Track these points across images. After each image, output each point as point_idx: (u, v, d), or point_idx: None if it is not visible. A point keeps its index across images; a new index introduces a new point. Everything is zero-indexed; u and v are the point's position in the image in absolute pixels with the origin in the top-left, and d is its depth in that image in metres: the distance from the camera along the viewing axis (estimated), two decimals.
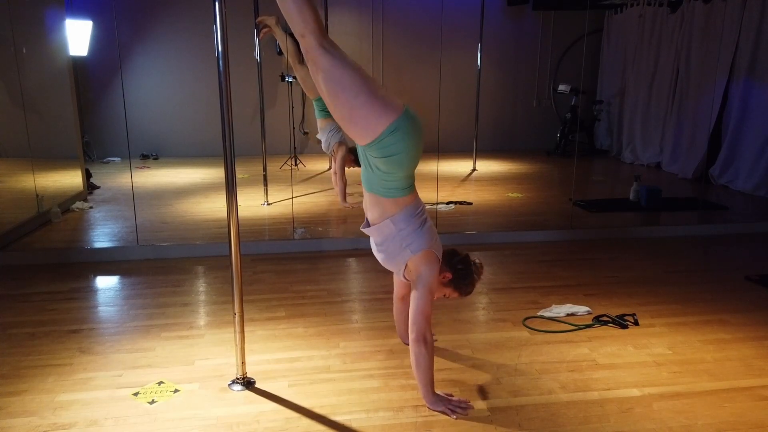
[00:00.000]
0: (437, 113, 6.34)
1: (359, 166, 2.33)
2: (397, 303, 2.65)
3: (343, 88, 2.07)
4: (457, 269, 2.36)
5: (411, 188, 2.27)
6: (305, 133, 7.90)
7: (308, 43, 2.05)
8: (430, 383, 2.24)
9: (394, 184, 2.21)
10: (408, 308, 2.34)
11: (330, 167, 5.34)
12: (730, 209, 5.40)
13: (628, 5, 7.76)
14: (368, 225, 2.36)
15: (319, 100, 5.02)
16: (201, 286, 3.56)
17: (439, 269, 2.29)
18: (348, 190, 5.25)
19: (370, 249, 2.45)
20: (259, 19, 3.75)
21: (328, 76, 2.08)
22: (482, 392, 2.36)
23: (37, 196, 4.67)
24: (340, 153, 5.03)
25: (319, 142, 5.32)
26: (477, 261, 2.44)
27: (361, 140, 2.15)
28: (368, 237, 2.43)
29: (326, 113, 5.01)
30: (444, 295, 2.42)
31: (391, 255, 2.31)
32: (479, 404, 2.27)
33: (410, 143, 2.11)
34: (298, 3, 2.00)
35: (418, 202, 2.30)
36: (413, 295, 2.25)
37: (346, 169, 5.13)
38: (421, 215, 2.29)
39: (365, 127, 2.10)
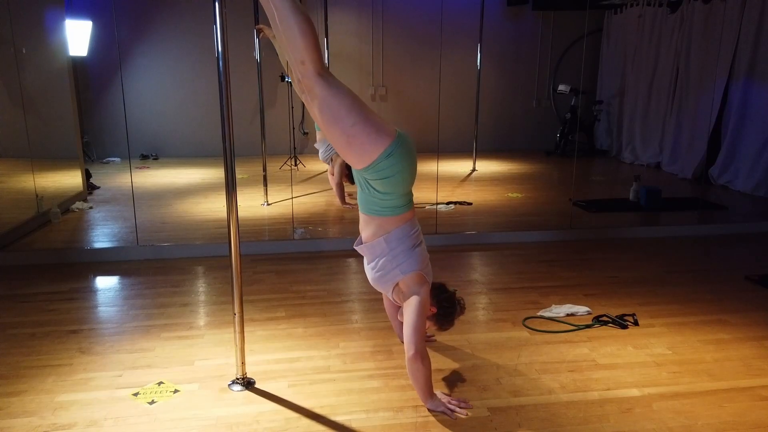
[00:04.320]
0: (437, 113, 6.34)
1: (353, 183, 2.34)
2: (387, 302, 2.66)
3: (339, 116, 2.09)
4: (442, 305, 2.38)
5: (409, 205, 2.29)
6: (305, 134, 7.89)
7: (307, 70, 2.06)
8: (428, 390, 2.24)
9: (392, 202, 2.23)
10: (398, 309, 2.34)
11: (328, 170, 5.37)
12: (729, 209, 5.40)
13: (627, 5, 7.76)
14: (361, 243, 2.37)
15: None
16: (201, 286, 3.56)
17: (430, 289, 2.31)
18: (347, 191, 5.25)
19: None
20: (258, 27, 3.83)
21: (325, 104, 2.09)
22: (482, 392, 2.36)
23: (37, 196, 4.67)
24: (338, 168, 5.03)
25: (317, 150, 5.32)
26: (462, 300, 2.47)
27: (356, 165, 2.18)
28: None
29: None
30: None
31: (382, 274, 2.32)
32: (479, 404, 2.27)
33: (404, 165, 2.15)
34: (304, 31, 2.01)
35: (414, 222, 2.32)
36: (407, 311, 2.24)
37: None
38: (415, 236, 2.30)
39: (361, 153, 2.13)
